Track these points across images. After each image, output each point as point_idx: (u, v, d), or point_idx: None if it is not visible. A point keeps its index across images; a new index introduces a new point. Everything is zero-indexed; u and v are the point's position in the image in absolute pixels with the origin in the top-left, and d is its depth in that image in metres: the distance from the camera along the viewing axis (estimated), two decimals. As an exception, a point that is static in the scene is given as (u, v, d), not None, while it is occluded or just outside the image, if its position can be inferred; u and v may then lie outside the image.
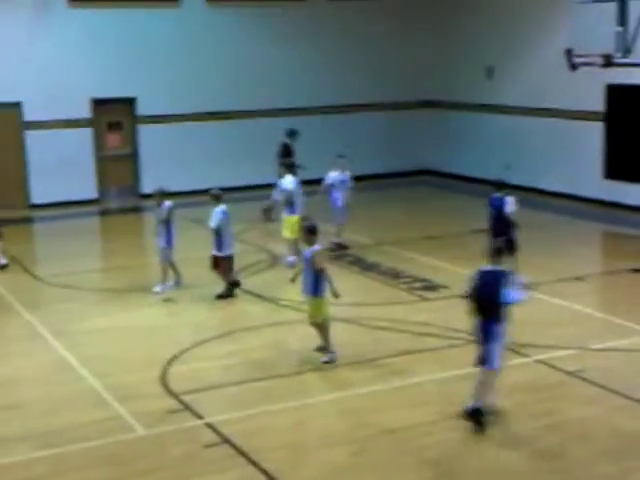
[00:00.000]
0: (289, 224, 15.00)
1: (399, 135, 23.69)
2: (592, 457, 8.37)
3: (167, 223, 13.48)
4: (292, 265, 14.42)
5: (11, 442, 8.86)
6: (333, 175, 16.21)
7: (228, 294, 13.29)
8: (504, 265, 8.96)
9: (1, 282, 14.37)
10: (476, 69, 22.81)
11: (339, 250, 15.96)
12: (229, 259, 13.29)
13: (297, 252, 14.40)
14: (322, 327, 10.73)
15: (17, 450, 8.66)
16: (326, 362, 10.59)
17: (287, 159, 18.51)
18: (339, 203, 16.28)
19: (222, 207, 13.24)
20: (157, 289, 13.58)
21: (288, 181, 15.26)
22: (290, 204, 15.03)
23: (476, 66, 22.81)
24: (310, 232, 10.75)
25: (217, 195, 13.36)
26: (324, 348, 10.77)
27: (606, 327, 12.06)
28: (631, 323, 11.93)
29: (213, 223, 13.15)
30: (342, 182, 16.23)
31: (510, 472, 8.09)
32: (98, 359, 10.96)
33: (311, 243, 10.70)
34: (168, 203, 13.45)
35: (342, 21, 23.14)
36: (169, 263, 13.65)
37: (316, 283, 10.57)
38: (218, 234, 13.20)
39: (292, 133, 19.37)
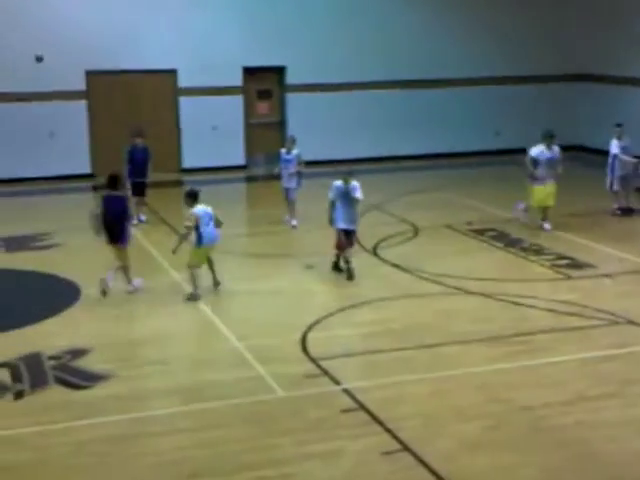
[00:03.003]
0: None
1: (548, 109, 23.07)
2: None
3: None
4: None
5: (158, 395, 9.25)
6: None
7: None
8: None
9: (153, 243, 14.93)
10: (631, 39, 21.91)
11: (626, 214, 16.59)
12: None
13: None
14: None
15: (163, 403, 9.03)
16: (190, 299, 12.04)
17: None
18: None
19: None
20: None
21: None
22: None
23: (631, 36, 21.92)
24: (189, 196, 12.15)
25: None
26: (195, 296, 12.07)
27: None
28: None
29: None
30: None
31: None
32: (242, 321, 11.29)
33: (189, 205, 12.08)
34: (296, 151, 15.49)
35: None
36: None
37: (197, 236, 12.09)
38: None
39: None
